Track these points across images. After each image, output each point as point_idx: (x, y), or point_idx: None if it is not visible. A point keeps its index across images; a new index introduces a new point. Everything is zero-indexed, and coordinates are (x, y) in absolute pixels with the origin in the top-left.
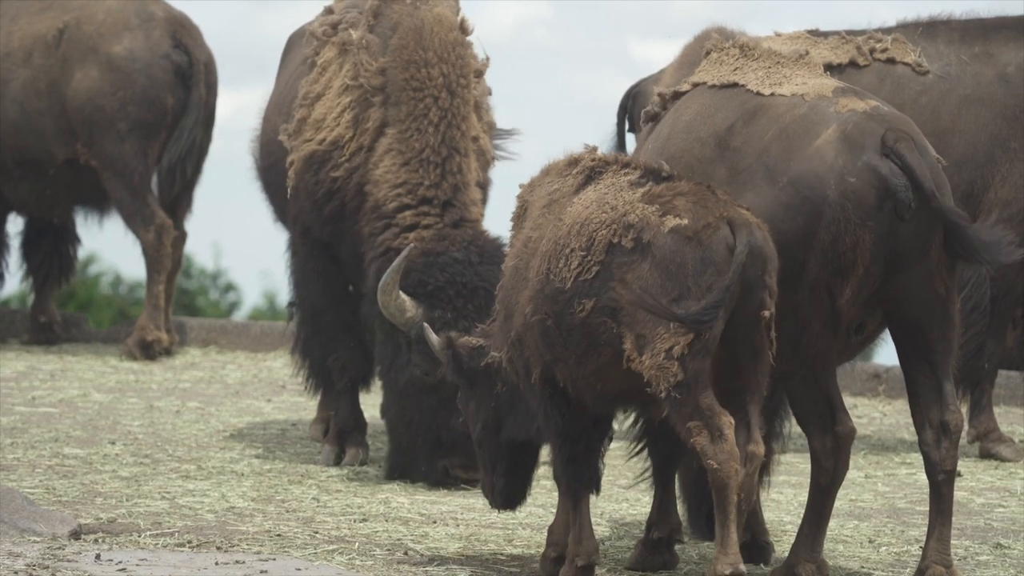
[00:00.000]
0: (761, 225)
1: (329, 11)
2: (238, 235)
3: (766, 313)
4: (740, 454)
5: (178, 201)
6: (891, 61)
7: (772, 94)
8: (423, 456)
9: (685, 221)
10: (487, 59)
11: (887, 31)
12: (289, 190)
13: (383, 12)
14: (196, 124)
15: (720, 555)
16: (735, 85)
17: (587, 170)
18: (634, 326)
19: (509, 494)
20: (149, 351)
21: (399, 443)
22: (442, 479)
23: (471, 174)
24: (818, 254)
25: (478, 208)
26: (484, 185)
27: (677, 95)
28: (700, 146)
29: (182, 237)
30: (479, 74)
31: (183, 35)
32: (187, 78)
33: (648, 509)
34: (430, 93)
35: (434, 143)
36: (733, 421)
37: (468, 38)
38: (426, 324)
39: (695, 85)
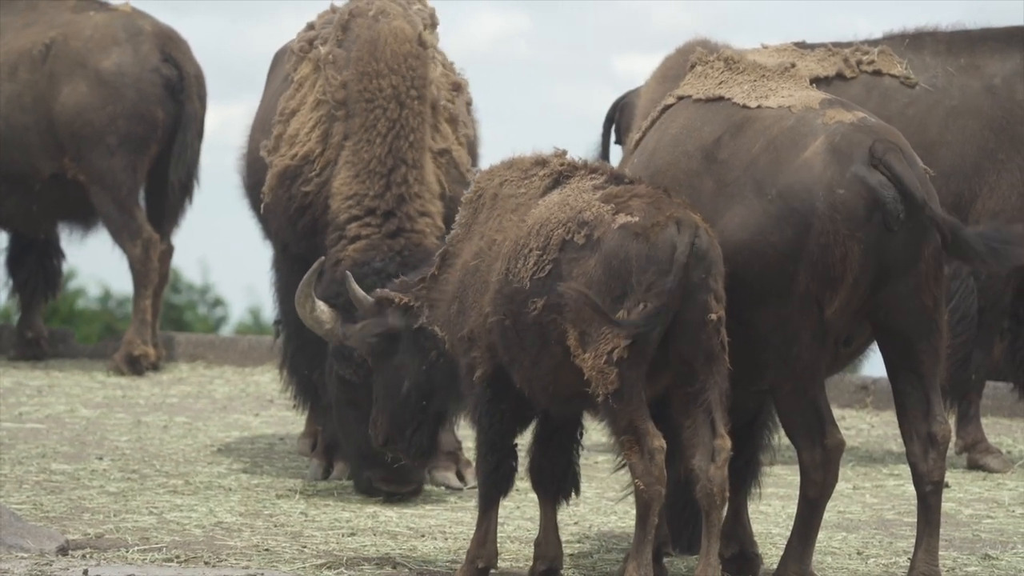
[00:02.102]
0: (709, 229)
1: (310, 27)
2: (225, 250)
3: (713, 316)
4: (706, 450)
5: (166, 215)
6: (878, 73)
7: (759, 106)
8: (353, 467)
9: (636, 219)
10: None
11: (874, 43)
12: (264, 206)
13: (350, 27)
14: (195, 138)
15: (631, 568)
16: (721, 99)
17: (555, 174)
18: (578, 323)
19: (429, 448)
20: (136, 366)
21: (344, 454)
22: (368, 489)
23: (423, 185)
24: (807, 266)
25: (429, 219)
26: (455, 198)
27: (664, 109)
28: (687, 159)
29: (169, 251)
30: (458, 88)
31: (172, 49)
32: (177, 92)
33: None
34: (379, 104)
35: (380, 154)
36: (664, 445)
37: (444, 53)
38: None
39: (680, 98)
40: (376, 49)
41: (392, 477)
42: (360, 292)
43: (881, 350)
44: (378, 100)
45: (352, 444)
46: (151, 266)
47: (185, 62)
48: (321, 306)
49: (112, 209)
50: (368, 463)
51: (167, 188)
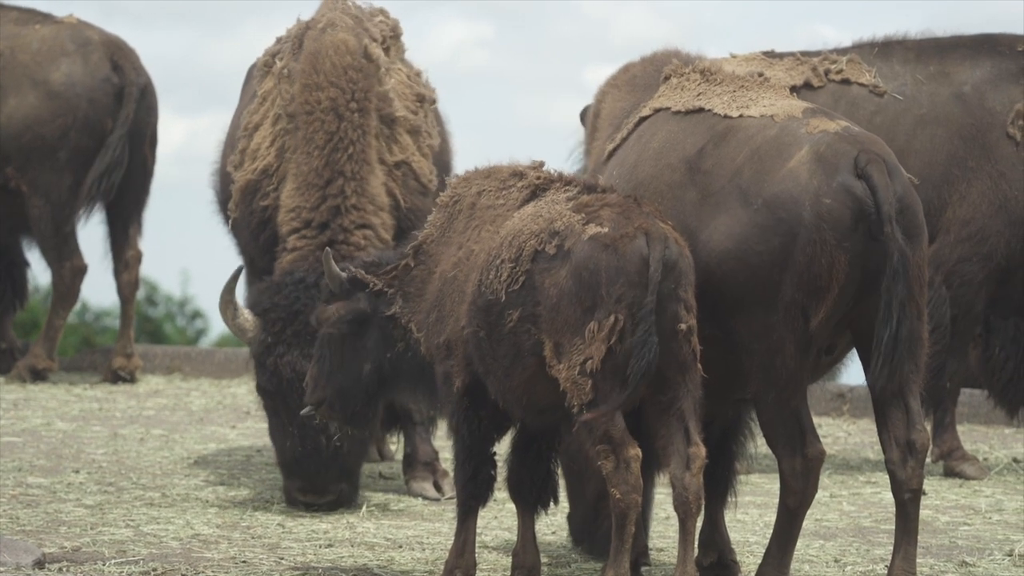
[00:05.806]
0: (679, 239)
1: (278, 41)
2: (205, 262)
3: (682, 326)
4: (681, 458)
5: (129, 221)
6: (846, 82)
7: (741, 116)
8: (282, 477)
9: (605, 229)
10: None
11: (843, 52)
12: (232, 221)
13: (303, 40)
14: (121, 140)
15: (609, 571)
16: (701, 110)
17: (532, 187)
18: (553, 333)
19: (370, 422)
20: (39, 377)
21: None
22: (291, 500)
23: (363, 198)
24: (793, 275)
25: (369, 231)
26: (414, 209)
27: (640, 120)
28: (670, 172)
29: (137, 257)
30: (423, 99)
31: (120, 58)
32: (125, 100)
33: None
34: (317, 117)
35: (318, 166)
36: (640, 453)
37: (410, 63)
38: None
39: (657, 110)
40: (317, 61)
41: (308, 487)
42: (335, 269)
43: (862, 358)
44: (316, 112)
45: (277, 453)
46: (74, 291)
47: (132, 71)
48: (245, 314)
49: (49, 226)
50: (287, 472)
51: (132, 195)
